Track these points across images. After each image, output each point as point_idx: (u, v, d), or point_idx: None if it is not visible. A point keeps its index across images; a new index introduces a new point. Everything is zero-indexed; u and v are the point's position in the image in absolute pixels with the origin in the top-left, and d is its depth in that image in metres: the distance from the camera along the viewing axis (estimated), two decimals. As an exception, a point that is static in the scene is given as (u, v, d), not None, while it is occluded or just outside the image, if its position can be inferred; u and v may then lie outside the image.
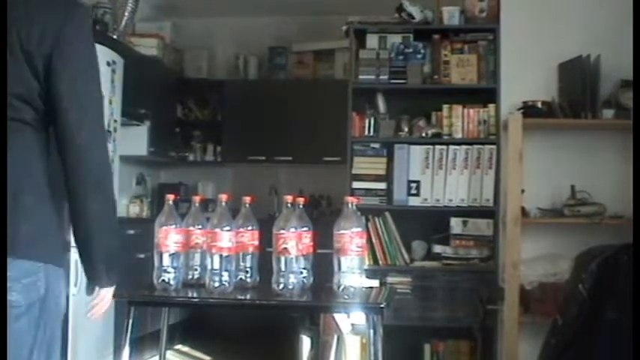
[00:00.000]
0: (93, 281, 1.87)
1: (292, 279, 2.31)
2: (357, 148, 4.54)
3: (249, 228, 2.42)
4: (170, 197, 2.46)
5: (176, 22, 6.68)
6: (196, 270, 2.48)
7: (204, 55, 6.87)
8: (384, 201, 4.49)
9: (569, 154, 4.15)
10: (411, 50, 4.52)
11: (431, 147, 4.44)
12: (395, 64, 4.52)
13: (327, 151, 6.15)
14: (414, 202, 4.45)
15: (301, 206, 2.38)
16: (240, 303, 2.44)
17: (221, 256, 2.33)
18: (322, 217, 6.03)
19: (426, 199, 4.44)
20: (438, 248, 4.45)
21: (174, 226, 2.41)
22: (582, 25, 4.17)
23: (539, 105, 4.06)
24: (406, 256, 4.47)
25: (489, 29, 4.43)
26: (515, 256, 3.88)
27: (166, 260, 2.40)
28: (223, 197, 2.41)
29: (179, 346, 5.59)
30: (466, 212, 4.42)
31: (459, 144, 4.42)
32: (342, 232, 2.27)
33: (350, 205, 2.30)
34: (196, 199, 2.52)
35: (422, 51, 4.52)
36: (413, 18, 4.52)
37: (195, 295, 2.43)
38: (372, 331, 2.28)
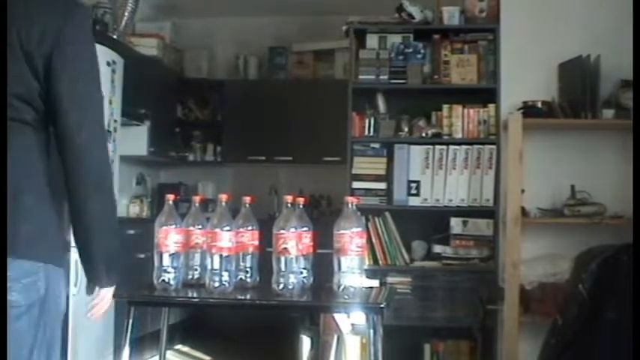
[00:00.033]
0: (93, 281, 1.87)
1: (292, 279, 2.31)
2: (357, 148, 4.54)
3: (249, 228, 2.42)
4: (170, 197, 2.46)
5: (176, 22, 6.68)
6: (196, 270, 2.48)
7: (204, 55, 6.87)
8: (384, 201, 4.49)
9: (569, 154, 4.15)
10: (411, 50, 4.52)
11: (431, 147, 4.44)
12: (395, 64, 4.52)
13: (327, 151, 6.15)
14: (414, 202, 4.45)
15: (301, 206, 2.38)
16: (240, 303, 2.44)
17: (221, 256, 2.33)
18: (322, 217, 6.03)
19: (426, 199, 4.44)
20: (438, 248, 4.46)
21: (174, 226, 2.41)
22: (582, 25, 4.17)
23: (539, 105, 4.06)
24: (406, 256, 4.47)
25: (489, 29, 4.43)
26: (515, 256, 3.88)
27: (166, 260, 2.40)
28: (223, 197, 2.41)
29: (179, 346, 5.59)
30: (466, 212, 4.42)
31: (459, 144, 4.42)
32: (342, 232, 2.27)
33: (350, 205, 2.30)
34: (196, 199, 2.52)
35: (422, 51, 4.52)
36: (413, 18, 4.52)
37: (195, 295, 2.43)
38: (372, 331, 2.28)
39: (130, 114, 5.27)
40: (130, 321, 2.34)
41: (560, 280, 3.80)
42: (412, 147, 4.47)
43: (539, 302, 3.92)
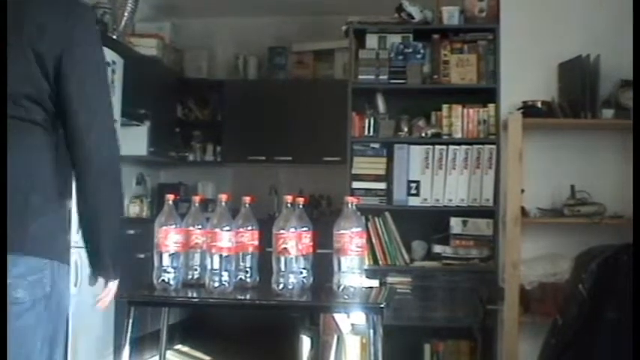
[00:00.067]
0: (100, 274, 1.92)
1: (292, 279, 2.31)
2: (356, 148, 4.54)
3: (249, 228, 2.42)
4: (170, 197, 2.46)
5: (176, 22, 6.68)
6: (196, 270, 2.48)
7: (204, 55, 6.87)
8: (383, 201, 4.49)
9: (569, 154, 4.15)
10: (410, 50, 4.52)
11: (431, 147, 4.44)
12: (394, 64, 4.52)
13: (327, 151, 6.15)
14: (413, 202, 4.45)
15: (301, 206, 2.38)
16: (240, 303, 2.44)
17: (221, 256, 2.33)
18: (322, 217, 6.03)
19: (425, 199, 4.44)
20: (437, 248, 4.45)
21: (174, 226, 2.41)
22: (582, 25, 4.17)
23: (539, 105, 4.06)
24: (406, 256, 4.47)
25: (489, 29, 4.43)
26: (515, 256, 3.88)
27: (166, 260, 2.40)
28: (223, 197, 2.41)
29: (179, 346, 5.59)
30: (466, 212, 4.42)
31: (459, 144, 4.42)
32: (342, 232, 2.27)
33: (350, 205, 2.30)
34: (196, 199, 2.52)
35: (421, 51, 4.52)
36: (412, 18, 4.52)
37: (195, 295, 2.43)
38: (372, 331, 2.28)
39: (130, 114, 5.27)
40: (130, 321, 2.34)
41: (560, 280, 3.80)
42: (412, 147, 4.47)
43: (539, 302, 3.92)
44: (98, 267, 1.90)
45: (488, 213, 4.37)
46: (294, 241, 2.30)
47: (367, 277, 3.03)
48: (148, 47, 5.96)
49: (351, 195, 4.24)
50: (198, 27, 6.86)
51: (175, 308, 4.52)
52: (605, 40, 4.07)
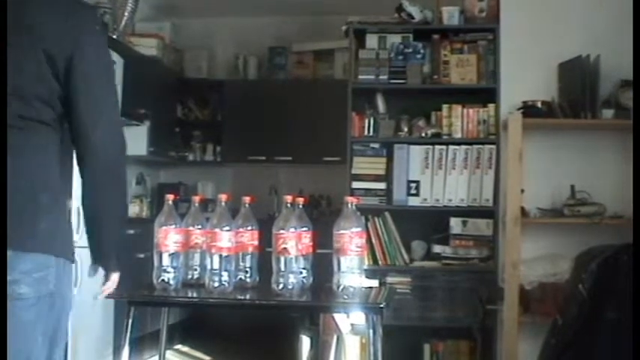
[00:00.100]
0: (103, 266, 1.97)
1: (292, 279, 2.31)
2: (356, 148, 4.54)
3: (249, 228, 2.42)
4: (170, 197, 2.46)
5: (176, 22, 6.68)
6: (196, 270, 2.48)
7: (204, 55, 6.87)
8: (383, 201, 4.49)
9: (569, 154, 4.14)
10: (410, 50, 4.52)
11: (430, 147, 4.44)
12: (394, 64, 4.52)
13: (327, 151, 6.15)
14: (413, 202, 4.45)
15: (301, 206, 2.38)
16: (239, 303, 2.44)
17: (221, 256, 2.34)
18: (322, 217, 6.03)
19: (425, 199, 4.44)
20: (437, 248, 4.45)
21: (173, 226, 2.42)
22: (582, 25, 4.17)
23: (539, 105, 4.05)
24: (406, 256, 4.47)
25: (489, 29, 4.43)
26: (515, 256, 3.88)
27: (166, 260, 2.40)
28: (223, 197, 2.41)
29: (179, 346, 5.59)
30: (466, 212, 4.42)
31: (459, 144, 4.42)
32: (341, 232, 2.27)
33: (350, 205, 2.30)
34: (196, 199, 2.53)
35: (421, 51, 4.52)
36: (412, 18, 4.52)
37: (194, 295, 2.43)
38: (371, 331, 2.28)
39: (130, 114, 5.27)
40: (130, 321, 2.34)
41: (560, 280, 3.80)
42: (412, 147, 4.47)
43: (539, 302, 3.92)
44: (101, 259, 1.96)
45: (488, 213, 4.37)
46: (294, 241, 2.30)
47: (367, 277, 3.04)
48: (148, 47, 5.96)
49: (351, 195, 4.24)
50: (198, 27, 6.86)
51: (175, 308, 4.52)
52: (605, 40, 4.06)
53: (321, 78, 6.68)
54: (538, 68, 4.20)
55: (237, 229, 2.39)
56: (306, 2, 6.29)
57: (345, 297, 2.27)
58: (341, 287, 2.28)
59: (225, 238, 2.33)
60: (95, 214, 1.90)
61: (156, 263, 2.42)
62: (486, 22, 4.45)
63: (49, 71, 1.76)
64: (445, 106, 4.47)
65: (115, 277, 2.01)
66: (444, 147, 4.43)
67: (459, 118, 4.44)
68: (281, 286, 2.31)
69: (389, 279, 4.37)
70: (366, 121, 4.53)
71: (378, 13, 4.65)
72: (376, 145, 4.53)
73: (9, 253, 1.69)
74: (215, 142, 6.73)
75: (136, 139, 5.68)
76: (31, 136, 1.77)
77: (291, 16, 6.66)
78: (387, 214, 4.49)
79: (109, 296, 2.13)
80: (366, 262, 4.27)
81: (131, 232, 4.86)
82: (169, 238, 2.40)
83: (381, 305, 2.28)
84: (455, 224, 4.43)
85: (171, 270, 2.40)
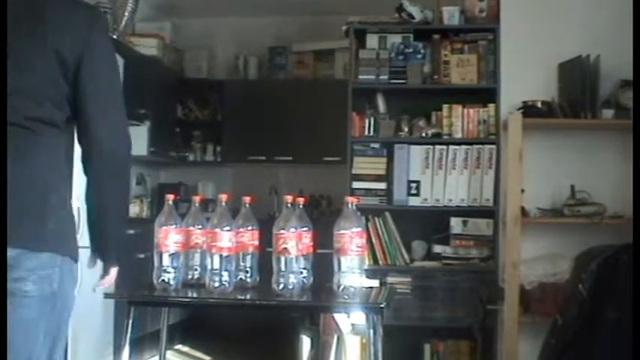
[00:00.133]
0: (103, 259, 2.02)
1: (292, 279, 2.31)
2: (357, 148, 4.54)
3: (249, 228, 2.42)
4: (170, 197, 2.46)
5: (176, 22, 6.68)
6: (196, 270, 2.48)
7: (204, 55, 6.87)
8: (384, 201, 4.49)
9: (569, 154, 4.14)
10: (410, 50, 4.52)
11: (431, 147, 4.44)
12: (395, 64, 4.52)
13: (327, 151, 6.15)
14: (413, 202, 4.45)
15: (301, 206, 2.38)
16: (240, 303, 2.44)
17: (221, 256, 2.34)
18: (322, 217, 6.03)
19: (425, 199, 4.44)
20: (437, 248, 4.45)
21: (174, 226, 2.42)
22: (582, 25, 4.17)
23: (539, 105, 4.05)
24: (406, 256, 4.47)
25: (489, 29, 4.43)
26: (515, 256, 3.88)
27: (166, 260, 2.40)
28: (223, 197, 2.41)
29: (179, 346, 5.59)
30: (466, 212, 4.42)
31: (459, 144, 4.42)
32: (342, 232, 2.27)
33: (350, 205, 2.30)
34: (196, 199, 2.53)
35: (422, 51, 4.52)
36: (413, 18, 4.52)
37: (195, 295, 2.43)
38: (372, 331, 2.29)
39: (130, 114, 5.17)
40: (130, 321, 2.34)
41: (560, 280, 3.80)
42: (412, 147, 4.47)
43: (539, 302, 3.92)
44: (102, 253, 2.00)
45: (489, 213, 4.37)
46: (294, 241, 2.30)
47: (367, 277, 3.04)
48: (148, 47, 5.96)
49: (351, 195, 4.24)
50: (198, 27, 6.86)
51: (175, 308, 4.52)
52: (605, 40, 4.06)
53: (321, 78, 6.68)
54: (538, 68, 4.20)
55: (238, 229, 2.39)
56: (306, 2, 6.29)
57: (346, 297, 2.27)
58: (341, 287, 2.28)
59: (226, 238, 2.33)
60: (99, 211, 1.94)
61: (156, 263, 2.42)
62: (486, 22, 4.45)
63: (60, 72, 1.80)
64: (445, 106, 4.47)
65: (113, 271, 2.04)
66: (444, 147, 4.43)
67: (460, 118, 4.44)
68: (281, 286, 2.30)
69: (389, 279, 4.37)
70: (367, 121, 4.54)
71: (379, 13, 4.65)
72: (376, 145, 4.54)
73: (17, 251, 1.72)
74: (215, 142, 6.73)
75: (136, 139, 5.58)
76: (42, 137, 1.80)
77: (291, 16, 6.66)
78: (387, 214, 4.49)
79: (109, 296, 2.14)
80: (367, 262, 4.27)
81: (131, 232, 4.86)
82: (169, 238, 2.40)
83: (382, 305, 2.28)
84: (455, 224, 4.43)
85: (172, 270, 2.40)
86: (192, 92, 6.83)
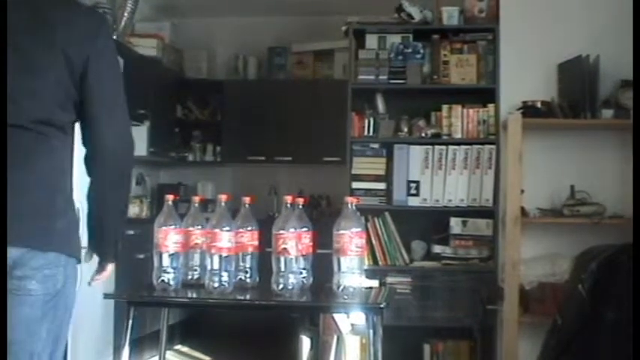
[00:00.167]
0: (101, 256, 2.06)
1: (292, 279, 2.31)
2: (356, 148, 4.54)
3: (249, 228, 2.42)
4: (169, 197, 2.46)
5: (176, 22, 6.67)
6: (196, 270, 2.48)
7: (203, 55, 6.86)
8: (383, 201, 4.49)
9: (569, 154, 4.14)
10: (410, 50, 4.52)
11: (430, 147, 4.44)
12: (394, 64, 4.52)
13: (327, 151, 6.15)
14: (413, 202, 4.45)
15: (301, 206, 2.38)
16: (239, 303, 2.45)
17: (220, 256, 2.34)
18: (322, 218, 6.02)
19: (425, 200, 4.44)
20: (437, 248, 4.45)
21: (173, 227, 2.42)
22: (582, 25, 4.17)
23: (539, 105, 4.05)
24: (406, 256, 4.47)
25: (489, 29, 4.43)
26: (514, 256, 3.88)
27: (166, 260, 2.40)
28: (223, 197, 2.41)
29: (179, 347, 5.59)
30: (466, 212, 4.42)
31: (459, 144, 4.42)
32: (341, 232, 2.27)
33: (349, 206, 2.31)
34: (196, 199, 2.53)
35: (421, 51, 4.52)
36: (412, 18, 4.52)
37: (194, 295, 2.43)
38: (371, 331, 2.29)
39: (130, 114, 5.23)
40: (130, 321, 2.34)
41: (560, 280, 3.80)
42: (412, 147, 4.47)
43: (538, 302, 3.92)
44: (102, 250, 2.05)
45: (488, 213, 4.37)
46: (294, 242, 2.30)
47: (367, 277, 3.03)
48: (147, 47, 5.96)
49: (351, 195, 4.24)
50: (198, 27, 6.85)
51: (175, 308, 4.52)
52: (605, 40, 4.07)
53: (321, 78, 6.68)
54: (538, 68, 4.20)
55: (237, 229, 2.39)
56: (306, 2, 6.29)
57: (345, 297, 2.27)
58: (341, 287, 2.28)
59: (225, 239, 2.33)
60: (100, 210, 1.98)
61: (156, 264, 2.42)
62: (486, 22, 4.45)
63: (68, 75, 1.83)
64: (445, 107, 4.47)
65: (110, 267, 2.08)
66: (443, 147, 4.43)
67: (459, 119, 4.44)
68: (281, 286, 2.30)
69: (389, 279, 4.37)
70: (366, 121, 4.53)
71: (378, 14, 4.65)
72: (376, 146, 4.53)
73: (23, 250, 1.75)
74: (215, 143, 6.73)
75: (136, 140, 5.48)
76: (49, 139, 1.83)
77: (291, 16, 6.66)
78: (387, 214, 4.49)
79: (109, 296, 2.15)
80: (366, 263, 4.27)
81: (131, 232, 4.85)
82: (169, 238, 2.40)
83: (381, 305, 2.28)
84: (455, 224, 4.43)
85: (171, 270, 2.40)
86: (191, 92, 6.82)
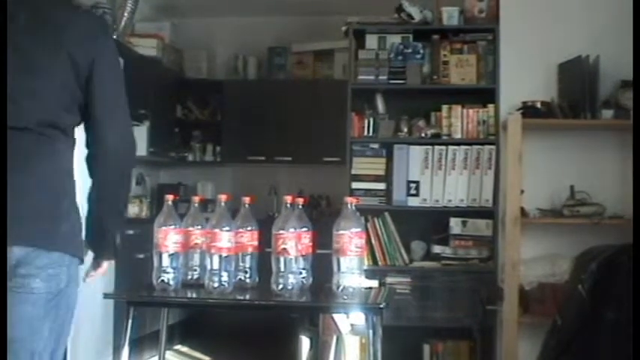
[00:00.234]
0: (99, 254, 2.09)
1: (291, 279, 2.31)
2: (356, 148, 4.54)
3: (249, 228, 2.42)
4: (169, 197, 2.46)
5: (176, 22, 6.67)
6: (195, 270, 2.48)
7: (203, 55, 6.87)
8: (383, 201, 4.49)
9: (569, 154, 4.14)
10: (410, 50, 4.52)
11: (430, 147, 4.44)
12: (394, 64, 4.52)
13: (327, 152, 6.15)
14: (413, 202, 4.45)
15: (301, 206, 2.38)
16: (239, 303, 2.45)
17: (220, 256, 2.34)
18: (322, 218, 6.03)
19: (425, 200, 4.44)
20: (437, 248, 4.45)
21: (173, 227, 2.42)
22: (582, 25, 4.17)
23: (539, 105, 4.05)
24: (405, 256, 4.47)
25: (489, 29, 4.43)
26: (514, 257, 3.88)
27: (166, 260, 2.40)
28: (223, 197, 2.41)
29: (178, 347, 5.59)
30: (465, 212, 4.42)
31: (459, 144, 4.42)
32: (341, 232, 2.27)
33: (349, 206, 2.30)
34: (196, 199, 2.53)
35: (421, 51, 4.52)
36: (412, 18, 4.52)
37: (194, 295, 2.43)
38: (371, 331, 2.28)
39: (130, 114, 5.26)
40: (130, 321, 2.34)
41: (560, 281, 3.80)
42: (411, 147, 4.46)
43: (538, 302, 3.92)
44: (101, 248, 2.07)
45: (488, 213, 4.37)
46: (294, 242, 2.30)
47: (366, 277, 3.03)
48: (147, 47, 5.96)
49: (351, 195, 4.24)
50: (198, 27, 6.85)
51: (175, 308, 4.51)
52: (605, 40, 4.07)
53: (320, 78, 6.68)
54: (538, 68, 4.20)
55: (237, 229, 2.39)
56: (306, 2, 6.29)
57: (345, 297, 2.27)
58: (341, 288, 2.28)
59: (225, 239, 2.33)
60: (100, 209, 2.00)
61: (155, 264, 2.42)
62: (486, 23, 4.45)
63: (74, 78, 1.85)
64: (445, 107, 4.47)
65: (105, 264, 2.11)
66: (443, 147, 4.43)
67: (459, 119, 4.44)
68: (281, 286, 2.30)
69: (389, 279, 4.37)
70: (366, 121, 4.53)
71: (378, 14, 4.65)
72: (376, 146, 4.53)
73: (28, 249, 1.77)
74: (215, 143, 6.73)
75: (136, 140, 5.66)
76: (54, 142, 1.85)
77: (291, 16, 6.66)
78: (386, 214, 4.49)
79: (109, 296, 2.15)
80: (366, 263, 4.27)
81: (131, 232, 4.86)
82: (169, 238, 2.40)
83: (381, 306, 2.28)
84: (454, 224, 4.43)
85: (171, 270, 2.40)
86: (191, 92, 6.82)
